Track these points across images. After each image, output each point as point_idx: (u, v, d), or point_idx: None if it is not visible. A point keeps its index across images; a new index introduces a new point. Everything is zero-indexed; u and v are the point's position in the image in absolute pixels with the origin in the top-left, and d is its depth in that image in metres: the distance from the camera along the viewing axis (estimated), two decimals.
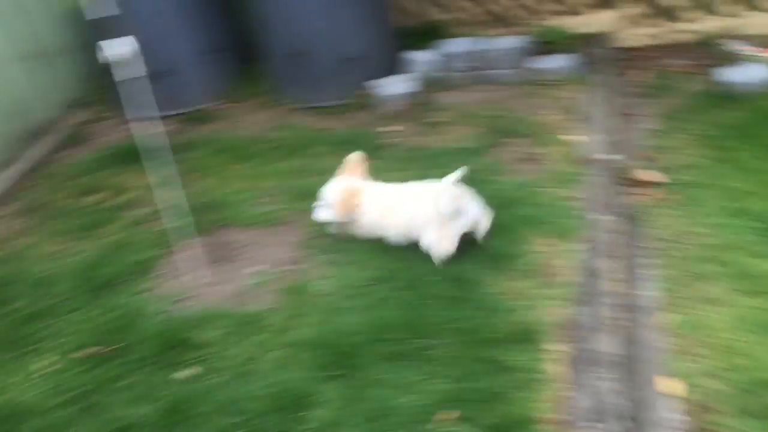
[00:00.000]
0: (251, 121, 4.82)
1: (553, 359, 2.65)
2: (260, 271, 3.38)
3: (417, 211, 3.14)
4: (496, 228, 3.24)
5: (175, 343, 2.99)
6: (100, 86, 5.51)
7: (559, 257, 3.14)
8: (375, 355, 2.76)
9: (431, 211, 3.07)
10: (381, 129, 4.46)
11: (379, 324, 2.89)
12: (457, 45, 4.76)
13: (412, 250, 3.21)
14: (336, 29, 4.63)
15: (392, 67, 4.82)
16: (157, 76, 4.78)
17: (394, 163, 3.98)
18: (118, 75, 3.04)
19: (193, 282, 3.37)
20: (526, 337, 2.74)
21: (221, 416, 2.62)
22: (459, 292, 2.99)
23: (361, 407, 2.55)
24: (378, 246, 3.31)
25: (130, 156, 4.57)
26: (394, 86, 4.57)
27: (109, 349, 3.03)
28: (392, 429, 2.46)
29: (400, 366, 2.70)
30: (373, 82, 4.63)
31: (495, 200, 3.35)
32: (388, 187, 3.35)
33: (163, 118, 4.96)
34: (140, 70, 3.02)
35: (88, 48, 5.39)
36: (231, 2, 5.34)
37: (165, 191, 3.37)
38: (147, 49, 4.74)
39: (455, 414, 2.47)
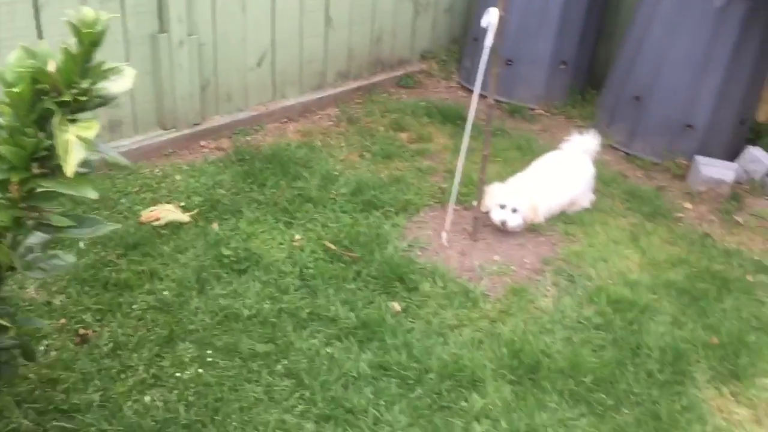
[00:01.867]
0: (560, 136, 4.93)
1: None
2: (502, 263, 3.53)
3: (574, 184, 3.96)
4: None
5: (398, 278, 3.28)
6: (454, 45, 5.99)
7: None
8: (552, 381, 2.81)
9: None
10: (682, 202, 4.32)
11: (573, 360, 2.92)
12: None
13: None
14: (691, 92, 4.52)
15: (728, 153, 4.60)
16: (509, 62, 5.17)
17: (676, 239, 3.89)
18: (486, 41, 3.31)
19: (442, 241, 3.62)
20: None
21: (397, 353, 2.86)
22: None
23: (510, 424, 2.63)
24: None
25: (445, 115, 4.99)
26: (718, 170, 4.37)
27: (350, 254, 3.41)
28: None
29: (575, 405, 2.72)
30: (701, 158, 4.46)
31: None
32: (537, 173, 3.96)
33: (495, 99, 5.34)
34: (489, 41, 3.26)
35: (456, 8, 5.91)
36: (604, 25, 5.43)
37: (452, 157, 3.63)
38: (508, 38, 5.08)
39: None
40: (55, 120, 1.34)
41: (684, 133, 4.61)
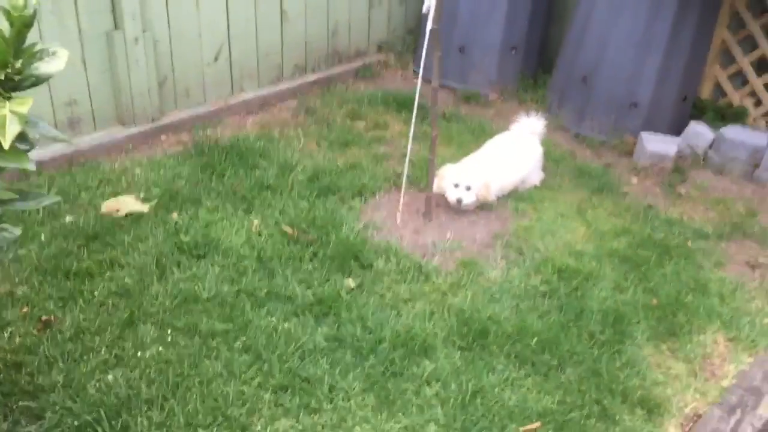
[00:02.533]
0: (511, 119, 5.09)
1: None
2: (454, 239, 3.67)
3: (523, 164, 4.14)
4: None
5: (353, 257, 3.41)
6: (410, 35, 6.12)
7: None
8: (500, 345, 2.96)
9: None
10: (628, 177, 4.49)
11: (519, 325, 3.07)
12: (745, 136, 4.58)
13: None
14: (635, 70, 4.69)
15: (672, 129, 4.78)
16: (461, 49, 5.32)
17: (621, 212, 4.06)
18: (424, 26, 3.46)
19: (395, 220, 3.76)
20: None
21: (352, 326, 2.99)
22: None
23: (459, 386, 2.77)
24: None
25: (401, 103, 5.12)
26: (662, 145, 4.55)
27: (308, 236, 3.53)
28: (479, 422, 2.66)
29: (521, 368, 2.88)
30: (646, 134, 4.64)
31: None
32: (488, 154, 4.12)
33: (444, 86, 5.47)
34: (430, 25, 3.40)
35: None
36: (553, 9, 5.59)
37: (413, 143, 3.76)
38: (460, 25, 5.19)
39: None
40: None
41: (629, 111, 4.79)
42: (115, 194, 3.79)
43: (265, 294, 3.16)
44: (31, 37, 1.59)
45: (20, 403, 2.54)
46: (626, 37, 4.68)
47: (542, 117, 4.30)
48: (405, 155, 3.80)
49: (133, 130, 4.43)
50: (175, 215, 3.64)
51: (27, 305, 2.99)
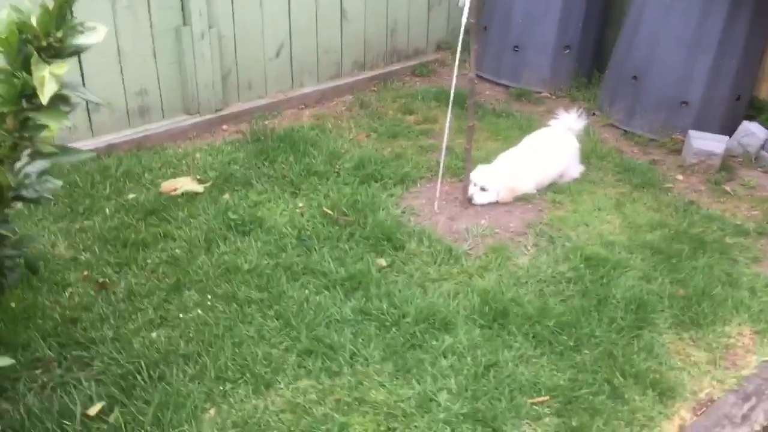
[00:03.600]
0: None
1: None
2: (487, 226, 3.80)
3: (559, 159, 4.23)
4: None
5: (387, 238, 3.59)
6: (467, 35, 6.25)
7: None
8: (519, 325, 3.08)
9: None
10: (673, 174, 4.50)
11: (541, 308, 3.18)
12: None
13: None
14: (685, 69, 4.70)
15: (724, 128, 4.75)
16: (515, 48, 5.44)
17: (660, 207, 4.09)
18: (463, 19, 3.63)
19: (433, 207, 3.92)
20: None
21: (379, 301, 3.17)
22: None
23: (475, 359, 2.91)
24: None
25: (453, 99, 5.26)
26: (710, 143, 4.53)
27: (346, 218, 3.74)
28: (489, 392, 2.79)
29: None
30: (694, 132, 4.64)
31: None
32: (522, 152, 4.22)
33: (498, 83, 5.60)
34: (465, 19, 3.56)
35: None
36: (610, 10, 5.63)
37: (460, 136, 3.92)
38: (514, 24, 5.32)
39: None
40: (33, 60, 1.71)
41: (679, 109, 4.79)
42: (175, 176, 4.10)
43: (301, 269, 3.38)
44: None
45: (73, 353, 2.84)
46: (677, 36, 4.68)
47: (581, 114, 4.38)
48: (450, 148, 3.97)
49: (198, 119, 4.75)
50: (227, 195, 3.92)
51: (87, 269, 3.30)
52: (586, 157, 4.54)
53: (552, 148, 4.21)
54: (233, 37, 4.82)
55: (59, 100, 1.77)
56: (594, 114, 5.22)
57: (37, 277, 3.16)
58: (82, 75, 4.17)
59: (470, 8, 3.55)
